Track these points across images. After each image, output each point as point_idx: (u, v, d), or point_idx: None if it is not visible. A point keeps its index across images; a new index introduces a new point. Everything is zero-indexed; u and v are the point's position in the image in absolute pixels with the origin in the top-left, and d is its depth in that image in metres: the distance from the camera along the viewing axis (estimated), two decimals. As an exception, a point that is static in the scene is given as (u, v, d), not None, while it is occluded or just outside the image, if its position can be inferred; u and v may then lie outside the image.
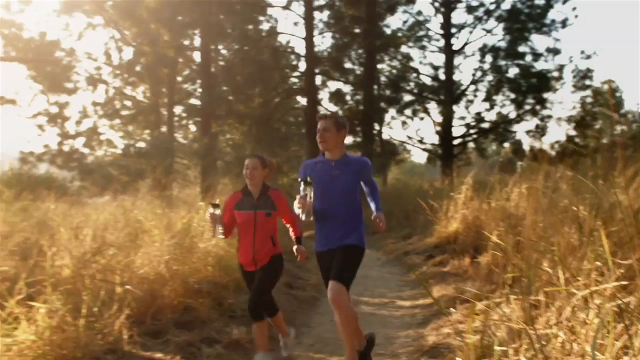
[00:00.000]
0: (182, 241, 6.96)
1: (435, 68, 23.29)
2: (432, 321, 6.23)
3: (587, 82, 22.63)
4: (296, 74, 23.98)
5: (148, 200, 9.89)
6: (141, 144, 24.55)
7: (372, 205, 4.42)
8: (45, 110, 22.07)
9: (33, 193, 11.60)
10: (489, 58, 22.94)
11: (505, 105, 23.11)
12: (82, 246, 6.32)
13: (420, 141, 23.72)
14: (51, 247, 6.62)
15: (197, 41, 22.43)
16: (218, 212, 4.72)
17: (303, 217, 4.16)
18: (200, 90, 23.73)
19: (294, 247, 4.79)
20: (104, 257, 6.23)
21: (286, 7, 21.92)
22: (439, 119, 23.27)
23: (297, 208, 4.19)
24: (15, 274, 5.64)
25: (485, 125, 23.43)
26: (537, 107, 22.61)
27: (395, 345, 5.61)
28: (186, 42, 22.18)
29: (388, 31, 23.03)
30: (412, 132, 34.42)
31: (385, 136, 24.52)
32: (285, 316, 6.57)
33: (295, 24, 31.16)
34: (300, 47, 25.80)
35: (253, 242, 4.71)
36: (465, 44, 23.26)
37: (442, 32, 23.19)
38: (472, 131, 23.42)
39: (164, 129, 24.42)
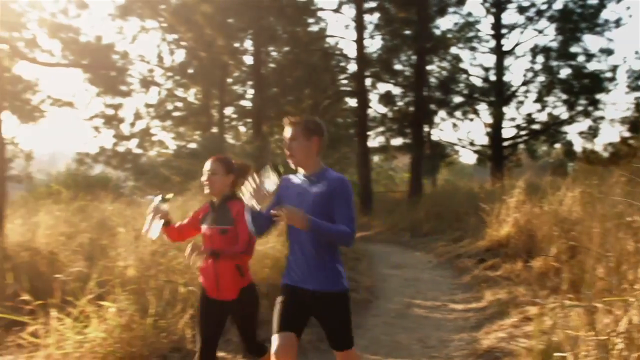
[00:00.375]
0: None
1: (486, 69, 23.11)
2: (486, 325, 6.28)
3: (642, 82, 22.09)
4: (345, 75, 24.08)
5: (199, 201, 10.13)
6: (192, 145, 25.03)
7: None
8: (102, 113, 22.72)
9: (90, 193, 12.01)
10: (540, 59, 22.63)
11: (556, 106, 22.77)
12: (144, 247, 6.60)
13: (471, 143, 23.57)
14: (114, 247, 6.95)
15: (247, 43, 22.83)
16: (164, 207, 3.88)
17: (249, 201, 3.20)
18: (250, 91, 24.06)
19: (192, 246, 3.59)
20: (166, 258, 6.49)
21: (337, 10, 22.09)
22: (489, 120, 23.09)
23: (247, 189, 3.21)
24: (85, 274, 5.95)
25: (536, 126, 23.12)
26: (590, 109, 22.18)
27: (450, 348, 5.68)
28: (236, 45, 22.55)
29: (438, 32, 22.93)
30: (462, 133, 34.07)
31: (434, 138, 24.44)
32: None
33: (346, 26, 31.30)
34: (349, 49, 25.98)
35: (214, 264, 3.77)
36: (516, 44, 23.01)
37: (492, 32, 22.99)
38: (522, 132, 23.14)
39: (214, 130, 24.86)
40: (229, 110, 26.05)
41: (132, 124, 23.91)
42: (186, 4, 18.89)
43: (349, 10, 21.48)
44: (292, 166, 3.36)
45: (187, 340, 5.29)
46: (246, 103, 25.32)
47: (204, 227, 3.88)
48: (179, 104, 26.02)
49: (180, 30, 20.53)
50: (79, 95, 47.10)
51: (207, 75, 22.65)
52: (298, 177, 3.42)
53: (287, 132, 3.36)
